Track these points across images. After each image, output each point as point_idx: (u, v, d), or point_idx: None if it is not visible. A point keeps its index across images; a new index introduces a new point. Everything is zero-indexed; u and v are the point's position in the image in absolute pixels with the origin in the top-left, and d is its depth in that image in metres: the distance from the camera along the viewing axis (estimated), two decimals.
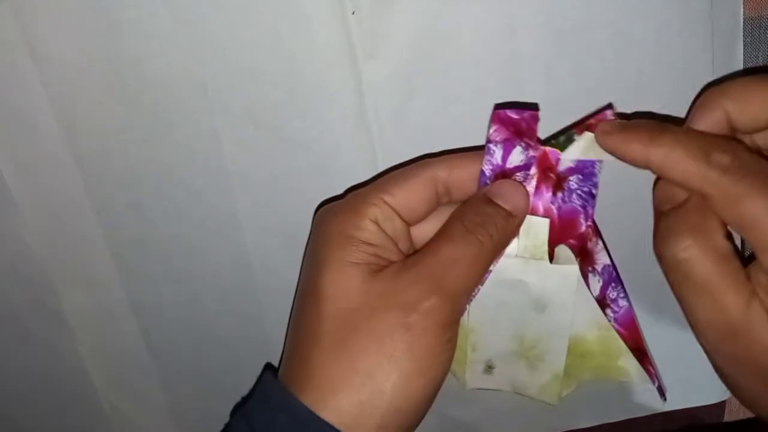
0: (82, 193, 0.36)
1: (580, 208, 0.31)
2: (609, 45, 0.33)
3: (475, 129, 0.34)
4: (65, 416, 0.43)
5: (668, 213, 0.27)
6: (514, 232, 0.30)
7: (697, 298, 0.26)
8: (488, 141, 0.31)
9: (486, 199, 0.29)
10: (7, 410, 0.43)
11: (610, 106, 0.32)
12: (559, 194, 0.31)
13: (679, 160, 0.26)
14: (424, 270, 0.28)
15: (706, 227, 0.26)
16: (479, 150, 0.32)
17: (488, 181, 0.31)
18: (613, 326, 0.32)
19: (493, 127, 0.31)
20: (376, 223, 0.29)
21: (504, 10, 0.32)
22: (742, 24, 0.33)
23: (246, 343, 0.40)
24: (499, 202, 0.29)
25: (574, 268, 0.30)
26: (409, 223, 0.31)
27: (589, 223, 0.31)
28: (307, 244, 0.32)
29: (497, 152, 0.30)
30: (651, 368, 0.33)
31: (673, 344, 0.39)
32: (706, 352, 0.28)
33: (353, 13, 0.31)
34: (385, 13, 0.32)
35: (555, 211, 0.31)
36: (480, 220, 0.29)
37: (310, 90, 0.33)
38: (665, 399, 0.33)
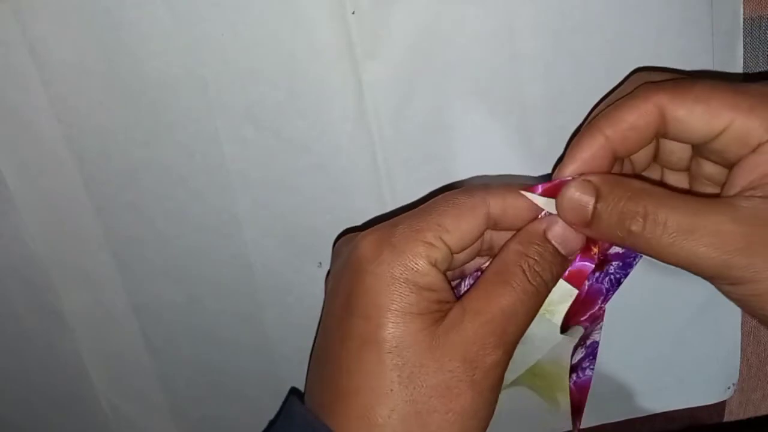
0: (82, 193, 0.36)
1: (604, 291, 0.32)
2: (609, 45, 0.33)
3: (475, 129, 0.34)
4: (65, 416, 0.43)
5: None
6: (560, 276, 0.29)
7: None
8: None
9: (545, 239, 0.29)
10: (7, 410, 0.43)
11: None
12: (597, 273, 0.31)
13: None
14: (488, 322, 0.27)
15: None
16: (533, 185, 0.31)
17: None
18: (570, 387, 0.33)
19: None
20: (435, 265, 0.28)
21: (504, 10, 0.32)
22: (742, 24, 0.33)
23: (246, 343, 0.40)
24: (559, 247, 0.29)
25: (572, 340, 0.31)
26: (454, 253, 0.29)
27: (604, 306, 0.32)
28: (339, 266, 0.30)
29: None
30: (578, 423, 0.34)
31: (673, 344, 0.39)
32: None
33: (353, 13, 0.31)
34: (385, 13, 0.32)
35: (586, 286, 0.31)
36: (540, 267, 0.28)
37: (310, 90, 0.33)
38: None
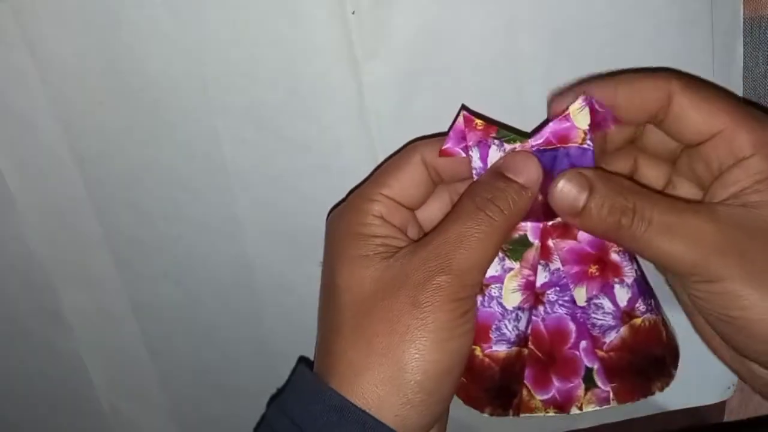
0: (82, 193, 0.36)
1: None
2: (609, 45, 0.33)
3: None
4: (65, 416, 0.43)
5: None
6: (527, 205, 0.29)
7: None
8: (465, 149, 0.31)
9: (498, 173, 0.30)
10: (7, 410, 0.43)
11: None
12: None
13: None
14: (432, 250, 0.28)
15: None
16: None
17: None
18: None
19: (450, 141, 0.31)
20: (381, 217, 0.30)
21: (504, 10, 0.32)
22: (742, 24, 0.33)
23: (246, 342, 0.40)
24: (511, 176, 0.29)
25: None
26: (412, 209, 0.31)
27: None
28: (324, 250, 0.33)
29: (474, 155, 0.30)
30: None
31: None
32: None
33: (353, 13, 0.31)
34: (385, 13, 0.32)
35: None
36: (490, 195, 0.29)
37: (310, 90, 0.33)
38: None
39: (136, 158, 0.35)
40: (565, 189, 0.28)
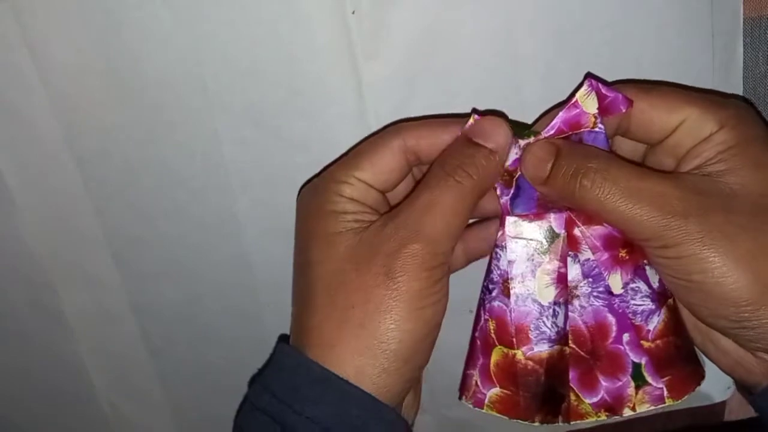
0: (82, 193, 0.36)
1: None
2: (609, 45, 0.33)
3: None
4: (65, 416, 0.43)
5: None
6: (496, 170, 0.30)
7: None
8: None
9: (466, 140, 0.30)
10: (7, 410, 0.43)
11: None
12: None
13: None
14: (403, 219, 0.29)
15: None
16: (450, 117, 0.32)
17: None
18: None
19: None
20: (352, 198, 0.30)
21: (504, 11, 0.32)
22: (742, 24, 0.33)
23: (246, 342, 0.40)
24: (480, 141, 0.29)
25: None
26: (384, 192, 0.31)
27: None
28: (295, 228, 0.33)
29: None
30: None
31: None
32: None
33: (353, 13, 0.31)
34: (385, 13, 0.32)
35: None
36: (458, 162, 0.29)
37: (310, 90, 0.33)
38: None
39: (136, 158, 0.35)
40: (537, 153, 0.29)
